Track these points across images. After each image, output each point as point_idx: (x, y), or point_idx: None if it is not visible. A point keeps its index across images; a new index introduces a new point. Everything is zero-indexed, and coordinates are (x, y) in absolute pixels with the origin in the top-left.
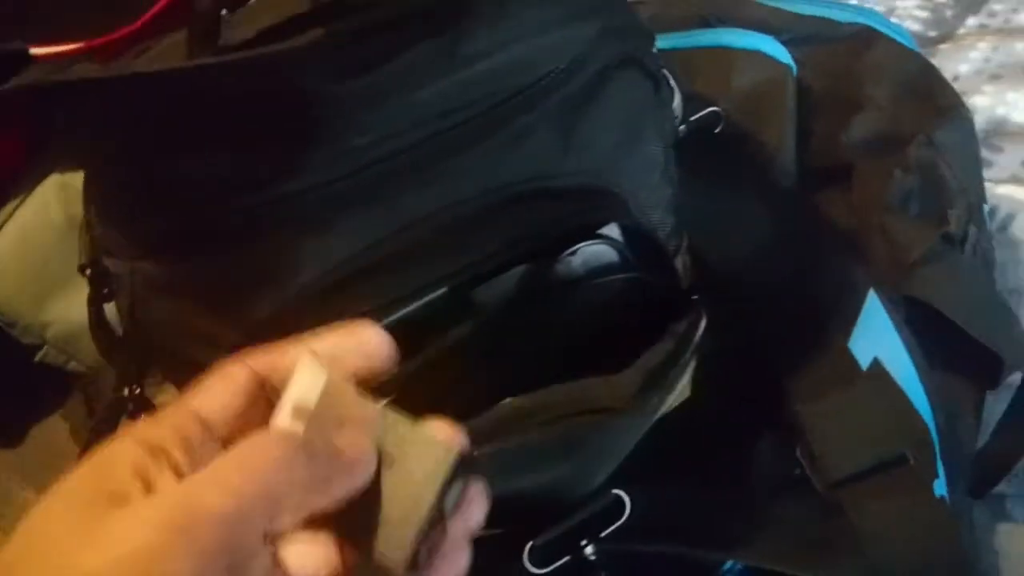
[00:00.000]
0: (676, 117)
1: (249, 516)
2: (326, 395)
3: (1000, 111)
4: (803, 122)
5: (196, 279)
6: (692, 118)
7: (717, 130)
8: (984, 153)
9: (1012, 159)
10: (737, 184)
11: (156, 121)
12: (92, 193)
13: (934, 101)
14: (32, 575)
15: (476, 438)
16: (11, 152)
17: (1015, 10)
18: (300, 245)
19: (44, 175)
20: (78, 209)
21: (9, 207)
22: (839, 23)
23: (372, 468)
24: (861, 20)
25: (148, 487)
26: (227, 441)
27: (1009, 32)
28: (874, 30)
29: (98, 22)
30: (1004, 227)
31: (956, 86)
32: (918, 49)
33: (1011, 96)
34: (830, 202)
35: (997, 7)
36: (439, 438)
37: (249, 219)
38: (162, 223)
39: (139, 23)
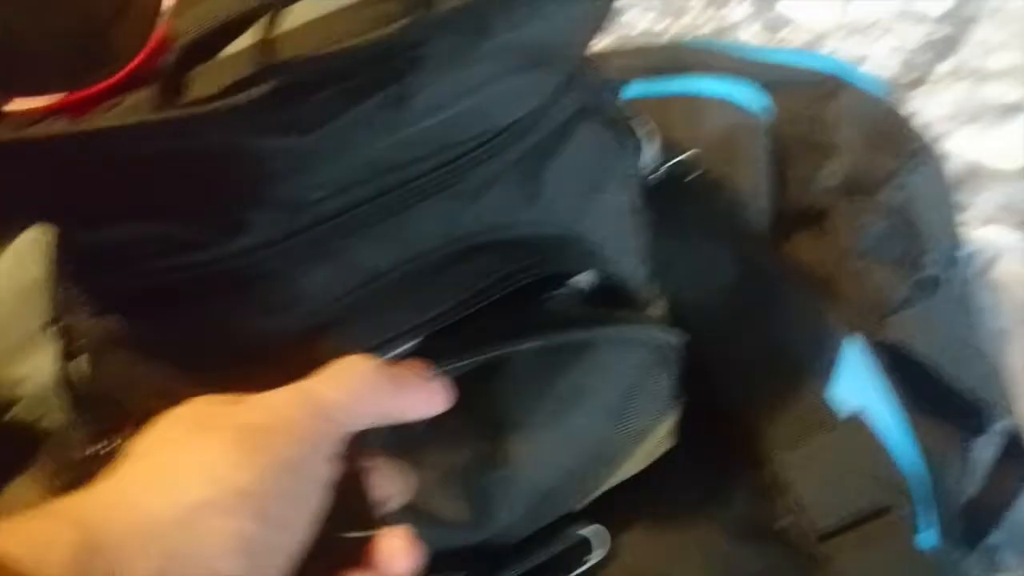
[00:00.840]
0: (649, 165)
1: (352, 411)
2: None
3: (974, 155)
4: (776, 168)
5: (155, 336)
6: (665, 165)
7: (689, 177)
8: (962, 196)
9: (989, 201)
10: (710, 231)
11: (96, 180)
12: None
13: (902, 145)
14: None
15: None
16: None
17: (986, 54)
18: (258, 301)
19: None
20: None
21: None
22: (806, 71)
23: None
24: (827, 69)
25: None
26: None
27: (981, 76)
28: (840, 79)
29: (81, 75)
30: (986, 270)
31: (931, 130)
32: (884, 95)
33: (985, 139)
34: (805, 248)
35: (967, 53)
36: None
37: (199, 277)
38: (113, 283)
39: (116, 78)
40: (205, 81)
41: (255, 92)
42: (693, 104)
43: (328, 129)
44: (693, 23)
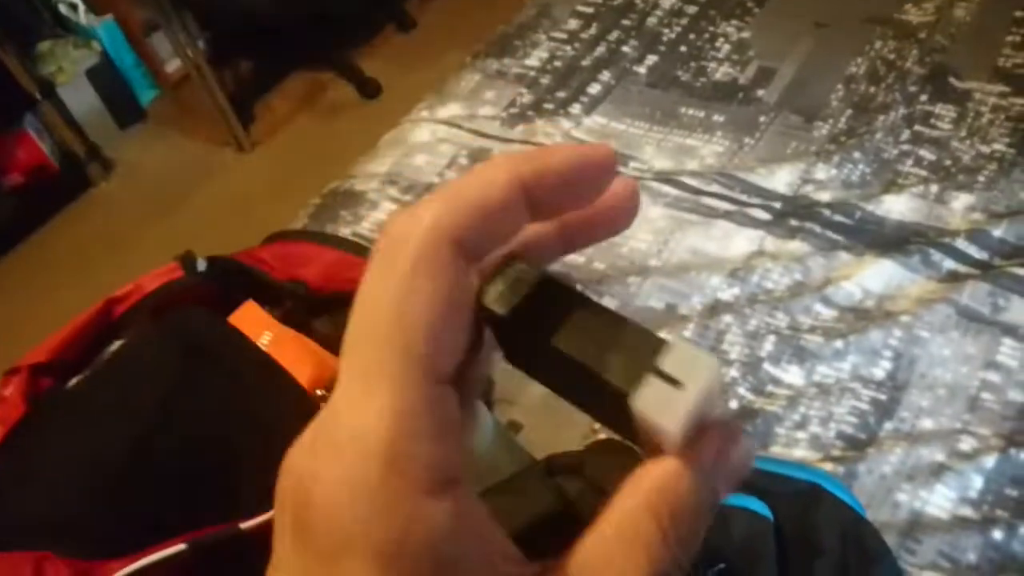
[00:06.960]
0: None
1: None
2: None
3: (916, 505)
4: (780, 560)
5: None
6: (711, 571)
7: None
8: (909, 543)
9: (929, 549)
10: None
11: None
12: None
13: (867, 549)
14: None
15: None
16: None
17: (917, 417)
18: None
19: None
20: None
21: None
22: (795, 480)
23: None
24: (811, 479)
25: None
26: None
27: (916, 437)
28: (821, 487)
29: None
30: None
31: (884, 483)
32: (852, 501)
33: (923, 494)
34: None
35: (905, 414)
36: None
37: None
38: None
39: None
40: None
41: None
42: (722, 511)
43: None
44: None
